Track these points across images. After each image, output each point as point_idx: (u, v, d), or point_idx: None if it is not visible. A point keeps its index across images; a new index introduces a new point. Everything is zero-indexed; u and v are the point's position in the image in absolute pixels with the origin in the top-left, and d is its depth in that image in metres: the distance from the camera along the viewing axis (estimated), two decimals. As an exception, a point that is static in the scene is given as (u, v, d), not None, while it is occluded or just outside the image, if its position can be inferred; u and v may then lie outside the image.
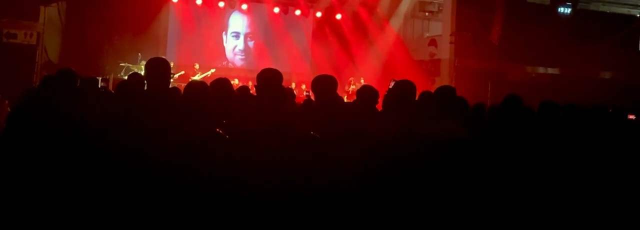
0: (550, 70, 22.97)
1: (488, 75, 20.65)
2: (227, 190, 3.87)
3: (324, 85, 5.48)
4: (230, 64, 22.99)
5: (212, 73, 18.97)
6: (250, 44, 23.41)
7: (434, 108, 5.41)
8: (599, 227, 5.24)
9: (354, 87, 20.21)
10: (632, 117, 10.64)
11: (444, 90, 5.73)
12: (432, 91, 5.83)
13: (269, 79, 4.97)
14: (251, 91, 6.88)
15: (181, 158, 3.90)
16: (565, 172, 5.33)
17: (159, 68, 4.90)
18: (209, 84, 5.20)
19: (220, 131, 4.23)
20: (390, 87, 7.13)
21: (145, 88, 5.22)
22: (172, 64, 19.15)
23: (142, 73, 11.99)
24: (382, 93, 5.94)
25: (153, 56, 5.31)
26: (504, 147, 5.39)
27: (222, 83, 5.57)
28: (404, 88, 5.34)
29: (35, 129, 4.88)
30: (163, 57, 5.19)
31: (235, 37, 23.31)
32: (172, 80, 18.41)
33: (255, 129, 4.32)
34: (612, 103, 8.52)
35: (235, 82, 18.03)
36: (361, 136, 4.56)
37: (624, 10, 23.45)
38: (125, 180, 3.92)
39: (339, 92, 7.26)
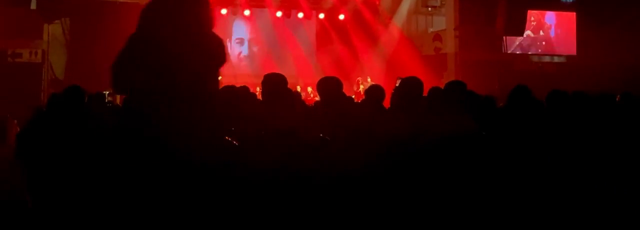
0: (556, 59, 22.90)
1: (495, 67, 20.63)
2: (240, 195, 3.87)
3: (329, 86, 5.49)
4: (235, 70, 22.97)
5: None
6: (255, 49, 23.42)
7: (445, 104, 5.40)
8: (611, 217, 5.20)
9: (363, 87, 20.19)
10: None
11: (454, 86, 5.72)
12: (441, 86, 5.82)
13: (274, 83, 4.99)
14: (258, 96, 6.87)
15: (192, 167, 3.89)
16: (576, 161, 5.30)
17: None
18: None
19: (229, 138, 4.22)
20: (397, 85, 7.15)
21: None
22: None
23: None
24: (389, 91, 5.93)
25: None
26: (515, 139, 5.36)
27: (229, 91, 5.57)
28: (410, 85, 5.32)
29: (44, 147, 4.89)
30: None
31: (240, 44, 23.33)
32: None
33: (263, 134, 4.32)
34: (622, 88, 8.47)
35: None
36: (370, 135, 4.55)
37: (629, -6, 23.29)
38: (137, 193, 3.92)
39: (348, 93, 7.26)
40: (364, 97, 6.20)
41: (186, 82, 3.75)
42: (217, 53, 3.98)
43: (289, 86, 5.32)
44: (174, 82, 3.71)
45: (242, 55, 23.37)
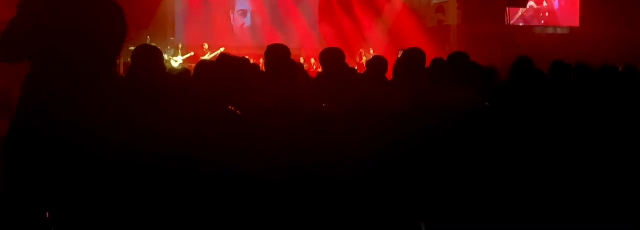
0: (560, 31, 22.82)
1: (497, 39, 20.55)
2: (242, 165, 3.89)
3: (332, 58, 5.51)
4: (239, 42, 22.91)
5: (221, 52, 18.96)
6: (258, 21, 23.33)
7: (448, 75, 5.41)
8: (615, 187, 5.23)
9: (365, 58, 20.18)
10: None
11: (457, 57, 5.73)
12: (444, 58, 5.82)
13: (277, 54, 4.99)
14: (261, 68, 6.88)
15: (195, 136, 3.92)
16: (579, 132, 5.32)
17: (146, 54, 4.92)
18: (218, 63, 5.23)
19: (233, 108, 4.24)
20: (399, 56, 7.14)
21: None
22: (180, 46, 19.36)
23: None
24: (392, 63, 5.94)
25: (162, 39, 5.31)
26: (518, 110, 5.37)
27: (231, 61, 5.58)
28: (412, 56, 5.33)
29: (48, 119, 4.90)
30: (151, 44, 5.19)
31: (243, 15, 23.24)
32: (181, 61, 18.47)
33: (267, 104, 4.34)
34: (625, 61, 8.46)
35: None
36: (372, 107, 4.57)
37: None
38: (141, 160, 3.95)
39: (351, 64, 7.28)
40: (366, 68, 6.21)
41: (87, 51, 3.64)
42: (117, 19, 3.90)
43: (292, 58, 5.33)
44: (73, 51, 3.60)
45: (245, 26, 23.30)
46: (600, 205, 5.09)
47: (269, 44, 5.21)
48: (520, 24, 22.14)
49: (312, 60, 20.41)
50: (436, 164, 4.54)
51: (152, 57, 4.92)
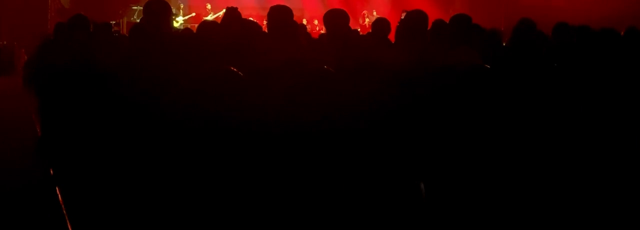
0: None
1: (501, 1, 20.46)
2: (243, 126, 3.92)
3: (336, 19, 5.51)
4: (241, 2, 22.73)
5: (224, 13, 18.84)
6: (261, -19, 23.17)
7: (449, 37, 5.42)
8: (616, 150, 5.27)
9: (368, 20, 20.11)
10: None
11: (459, 19, 5.73)
12: (446, 20, 5.83)
13: (279, 15, 5.00)
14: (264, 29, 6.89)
15: (197, 96, 3.94)
16: (581, 94, 5.33)
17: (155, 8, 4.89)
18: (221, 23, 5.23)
19: (235, 69, 4.26)
20: (402, 18, 7.14)
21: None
22: (182, 6, 19.30)
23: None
24: (395, 25, 5.95)
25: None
26: (520, 72, 5.38)
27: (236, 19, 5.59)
28: (415, 18, 5.33)
29: (52, 75, 4.94)
30: None
31: (245, -25, 23.08)
32: (182, 21, 18.43)
33: (269, 65, 4.35)
34: (628, 24, 8.44)
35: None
36: (375, 67, 4.58)
37: None
38: (143, 120, 3.98)
39: (354, 26, 7.28)
40: (369, 30, 6.22)
41: None
42: None
43: (294, 19, 5.33)
44: None
45: (248, -13, 23.14)
46: (600, 168, 5.13)
47: (272, 5, 5.22)
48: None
49: (315, 22, 20.35)
50: (437, 126, 4.56)
51: (160, 11, 4.90)
